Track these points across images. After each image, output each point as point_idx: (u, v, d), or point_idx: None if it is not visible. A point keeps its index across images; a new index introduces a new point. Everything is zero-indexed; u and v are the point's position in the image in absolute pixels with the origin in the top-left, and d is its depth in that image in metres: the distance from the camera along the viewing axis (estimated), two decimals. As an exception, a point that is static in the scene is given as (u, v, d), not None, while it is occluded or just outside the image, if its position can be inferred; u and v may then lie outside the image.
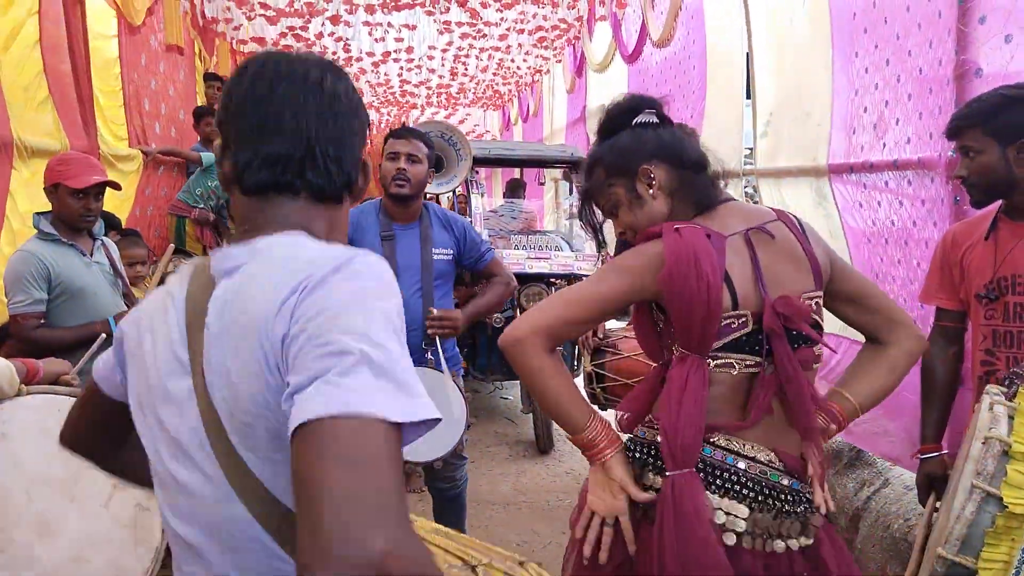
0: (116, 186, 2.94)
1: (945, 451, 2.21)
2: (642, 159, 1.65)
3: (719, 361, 1.53)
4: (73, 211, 2.78)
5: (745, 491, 1.51)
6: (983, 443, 1.67)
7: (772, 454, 1.55)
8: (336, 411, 0.76)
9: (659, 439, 1.54)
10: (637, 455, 1.60)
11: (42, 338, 2.72)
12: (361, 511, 0.71)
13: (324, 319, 0.83)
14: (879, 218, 3.58)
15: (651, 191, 1.64)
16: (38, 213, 2.86)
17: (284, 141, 0.98)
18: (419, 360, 2.87)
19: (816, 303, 1.61)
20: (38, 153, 3.63)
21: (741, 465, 1.52)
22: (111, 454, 1.19)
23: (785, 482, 1.54)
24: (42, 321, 2.72)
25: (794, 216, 1.69)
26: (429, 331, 2.87)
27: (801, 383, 1.52)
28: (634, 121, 1.70)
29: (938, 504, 2.16)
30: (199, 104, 6.68)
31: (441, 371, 2.87)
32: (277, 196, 0.99)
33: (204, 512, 0.95)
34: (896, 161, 3.34)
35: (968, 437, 1.80)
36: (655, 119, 1.70)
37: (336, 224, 1.05)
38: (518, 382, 5.39)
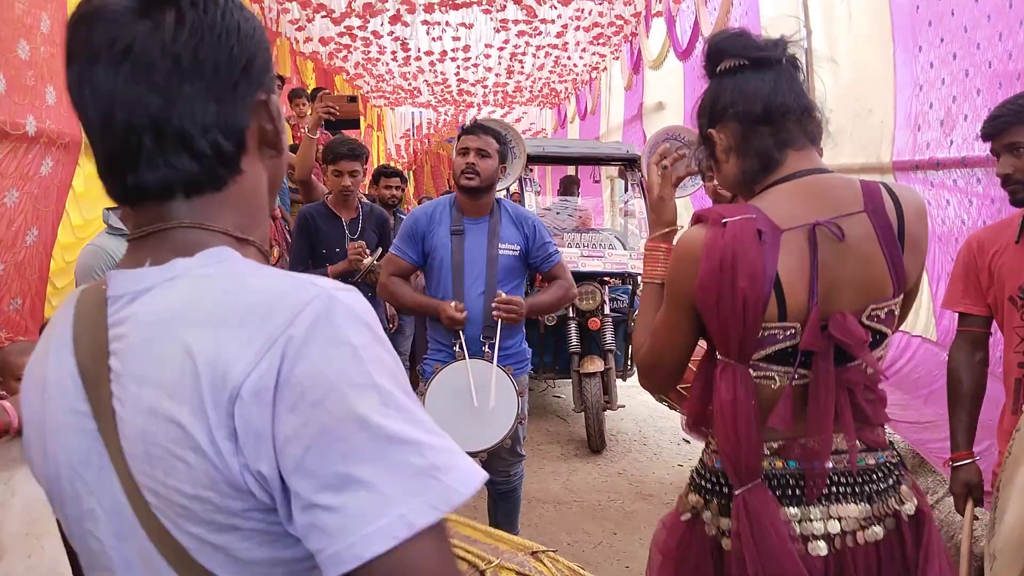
0: None
1: (978, 457, 2.18)
2: (710, 122, 1.48)
3: (759, 372, 1.39)
4: None
5: (840, 489, 1.42)
6: None
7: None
8: (400, 538, 0.63)
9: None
10: (708, 485, 1.52)
11: None
12: None
13: (330, 407, 0.65)
14: (948, 217, 3.46)
15: (719, 155, 1.49)
16: (107, 208, 2.95)
17: (108, 139, 0.74)
18: (475, 353, 2.89)
19: (889, 311, 1.42)
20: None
21: (829, 464, 1.42)
22: None
23: (872, 461, 1.44)
24: None
25: (897, 201, 1.43)
26: (493, 313, 2.86)
27: (827, 410, 1.40)
28: (717, 70, 1.49)
29: (977, 511, 2.15)
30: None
31: (492, 364, 2.87)
32: (141, 204, 0.76)
33: None
34: (964, 158, 3.22)
35: (1022, 437, 1.75)
36: (739, 62, 1.46)
37: (248, 204, 0.80)
38: (570, 381, 5.38)
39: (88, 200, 3.69)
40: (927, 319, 3.93)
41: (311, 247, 3.73)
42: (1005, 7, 2.88)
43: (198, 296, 0.71)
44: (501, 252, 2.97)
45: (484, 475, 0.69)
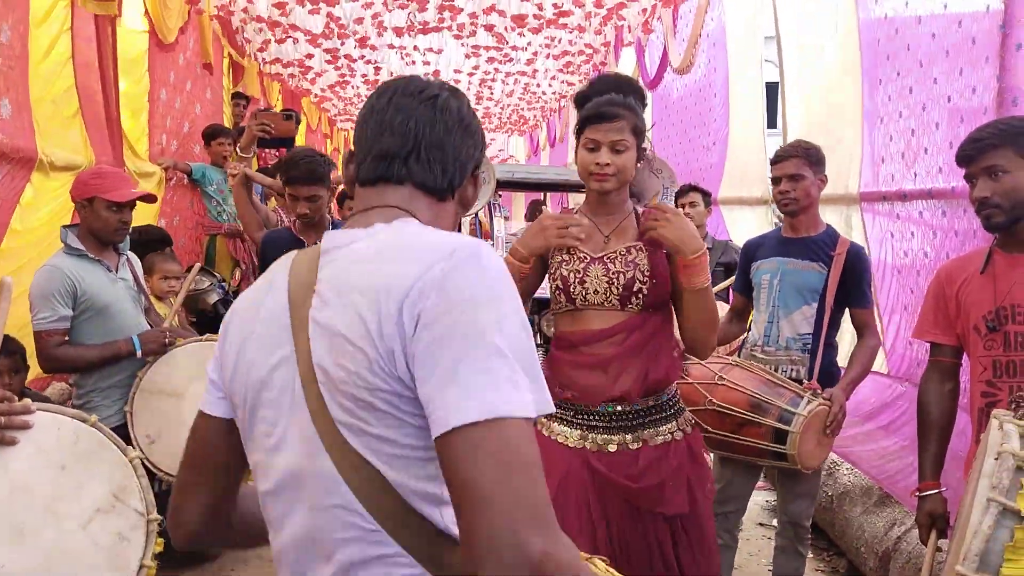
0: (152, 198, 2.98)
1: (944, 488, 2.20)
2: (641, 138, 2.15)
3: None
4: (110, 224, 2.77)
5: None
6: (996, 458, 1.64)
7: None
8: (485, 416, 0.85)
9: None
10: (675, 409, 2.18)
11: (65, 356, 2.70)
12: (520, 517, 0.82)
13: (460, 311, 0.90)
14: (911, 249, 3.50)
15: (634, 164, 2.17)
16: (65, 226, 2.86)
17: (393, 139, 1.09)
18: None
19: None
20: (63, 167, 3.66)
21: None
22: (231, 507, 1.17)
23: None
24: (66, 338, 2.71)
25: None
26: None
27: None
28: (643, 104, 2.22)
29: (940, 543, 2.16)
30: (225, 123, 6.74)
31: None
32: (385, 185, 1.09)
33: (294, 466, 1.00)
34: (931, 190, 3.27)
35: (978, 460, 1.78)
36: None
37: (440, 216, 1.12)
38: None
39: (33, 209, 3.55)
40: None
41: None
42: (966, 43, 2.94)
43: (388, 242, 1.01)
44: None
45: (549, 408, 0.92)
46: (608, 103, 2.08)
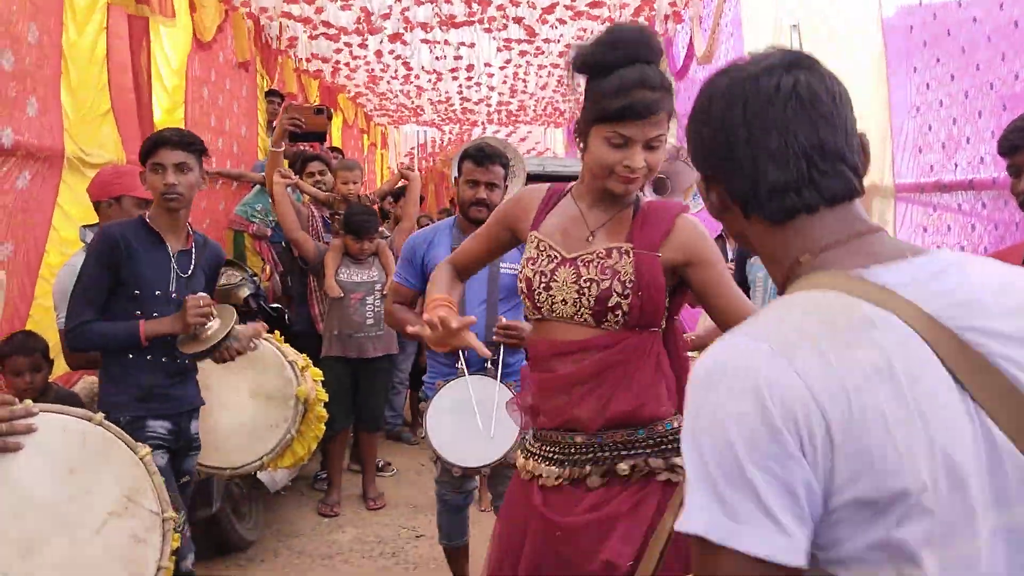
0: None
1: None
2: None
3: None
4: None
5: None
6: None
7: None
8: None
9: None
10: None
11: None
12: None
13: None
14: (947, 243, 3.37)
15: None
16: (85, 226, 2.88)
17: (777, 166, 0.90)
18: (478, 370, 2.84)
19: None
20: (95, 165, 3.71)
21: None
22: None
23: None
24: None
25: None
26: (495, 338, 2.78)
27: None
28: None
29: None
30: (259, 120, 6.78)
31: (496, 380, 2.81)
32: (792, 223, 0.92)
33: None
34: (972, 181, 3.14)
35: None
36: None
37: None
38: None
39: (72, 208, 3.60)
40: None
41: (115, 284, 2.46)
42: (1009, 27, 2.81)
43: (997, 266, 0.94)
44: (502, 271, 2.93)
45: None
46: (642, 84, 1.56)
